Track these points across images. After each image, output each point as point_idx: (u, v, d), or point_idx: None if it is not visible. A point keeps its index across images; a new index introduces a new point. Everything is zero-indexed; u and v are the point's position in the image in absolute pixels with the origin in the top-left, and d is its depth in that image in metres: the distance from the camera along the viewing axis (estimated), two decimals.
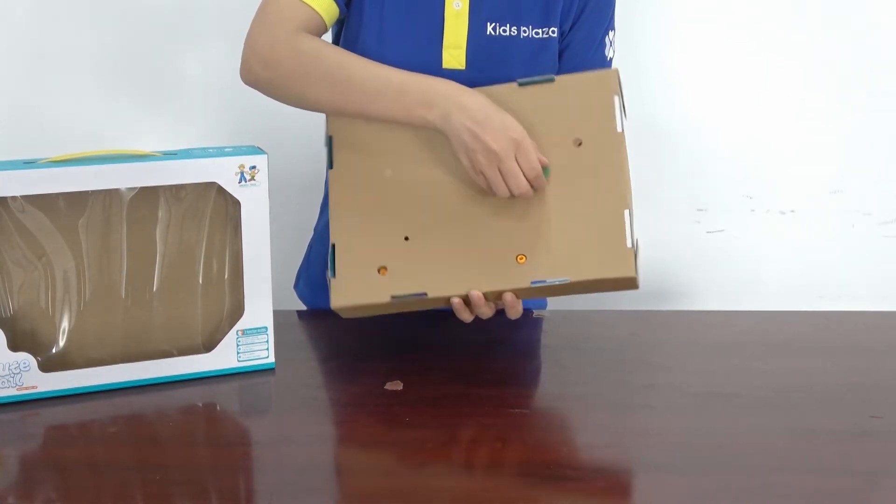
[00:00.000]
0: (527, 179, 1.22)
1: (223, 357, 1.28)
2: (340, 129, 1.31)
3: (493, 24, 1.35)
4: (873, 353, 1.36)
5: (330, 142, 1.31)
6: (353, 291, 1.26)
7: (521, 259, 1.23)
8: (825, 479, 1.06)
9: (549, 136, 1.24)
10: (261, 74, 1.30)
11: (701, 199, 2.01)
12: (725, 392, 1.24)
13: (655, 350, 1.37)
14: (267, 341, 1.29)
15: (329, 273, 1.28)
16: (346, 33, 1.40)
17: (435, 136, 1.27)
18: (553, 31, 1.36)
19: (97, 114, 1.95)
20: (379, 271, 1.26)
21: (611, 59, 1.43)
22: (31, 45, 1.92)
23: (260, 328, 1.29)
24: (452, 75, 1.33)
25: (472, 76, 1.34)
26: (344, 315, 1.29)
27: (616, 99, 1.24)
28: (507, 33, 1.35)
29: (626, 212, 1.21)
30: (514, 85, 1.27)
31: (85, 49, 1.92)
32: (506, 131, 1.21)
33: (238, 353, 1.28)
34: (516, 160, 1.21)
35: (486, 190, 1.24)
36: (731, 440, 1.13)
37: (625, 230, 1.20)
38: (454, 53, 1.34)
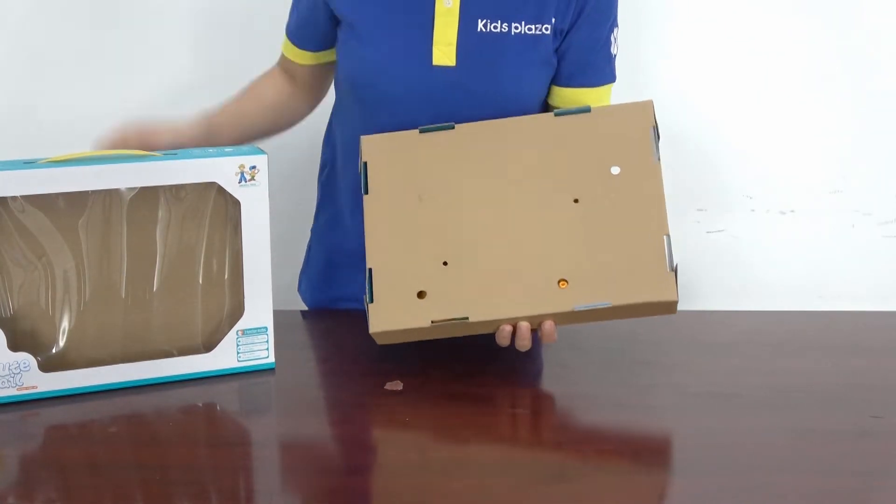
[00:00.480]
0: None
1: (223, 357, 1.28)
2: (375, 155, 1.32)
3: (484, 21, 1.35)
4: (873, 353, 1.36)
5: (365, 168, 1.31)
6: (392, 316, 1.25)
7: (562, 284, 1.23)
8: (825, 479, 1.06)
9: (585, 164, 1.27)
10: None
11: (701, 199, 2.01)
12: (725, 392, 1.24)
13: (655, 350, 1.37)
14: (267, 341, 1.29)
15: (367, 298, 1.26)
16: (341, 38, 1.42)
17: (467, 161, 1.29)
18: (546, 28, 1.36)
19: (97, 114, 1.95)
20: (418, 296, 1.25)
21: (615, 56, 1.43)
22: (31, 45, 1.92)
23: (260, 328, 1.29)
24: (443, 72, 1.35)
25: (462, 73, 1.35)
26: (380, 341, 1.27)
27: (651, 130, 1.27)
28: (498, 30, 1.35)
29: (665, 237, 1.22)
30: (550, 115, 1.30)
31: (85, 49, 1.92)
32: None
33: (238, 353, 1.28)
34: None
35: None
36: (731, 440, 1.13)
37: (665, 255, 1.22)
38: (444, 50, 1.35)
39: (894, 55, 1.94)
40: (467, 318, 1.23)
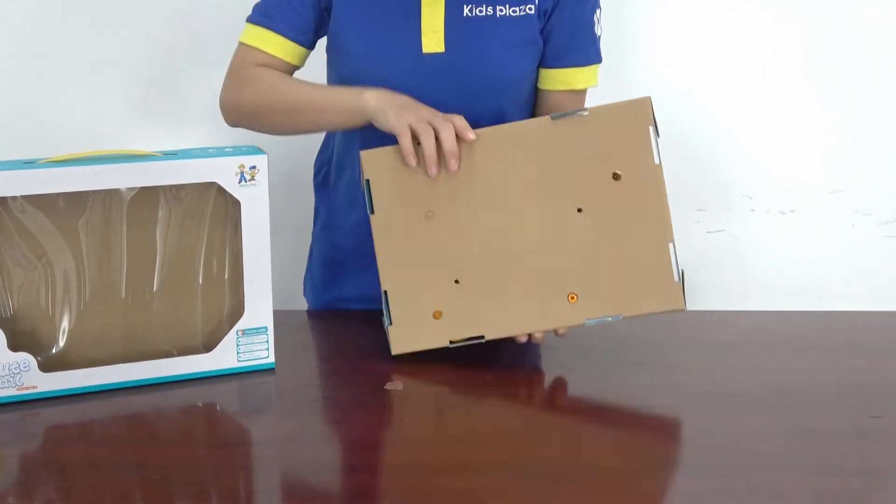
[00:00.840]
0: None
1: (223, 357, 1.28)
2: (376, 172, 1.28)
3: (470, 6, 1.37)
4: (873, 353, 1.36)
5: (368, 185, 1.29)
6: (411, 338, 1.29)
7: (572, 298, 1.25)
8: (825, 479, 1.06)
9: (586, 170, 1.25)
10: (231, 119, 1.45)
11: (701, 199, 2.01)
12: (725, 392, 1.24)
13: (655, 350, 1.37)
14: (267, 341, 1.29)
15: (385, 321, 1.30)
16: (330, 36, 1.43)
17: (470, 174, 1.26)
18: (530, 9, 1.38)
19: (97, 114, 1.95)
20: (434, 315, 1.28)
21: (599, 38, 1.45)
22: (31, 45, 1.92)
23: (260, 328, 1.29)
24: (432, 58, 1.37)
25: (452, 57, 1.37)
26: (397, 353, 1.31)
27: (651, 129, 1.24)
28: (484, 13, 1.37)
29: (671, 245, 1.23)
30: (547, 119, 1.27)
31: (85, 49, 1.92)
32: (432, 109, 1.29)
33: (238, 353, 1.28)
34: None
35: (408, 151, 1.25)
36: (731, 440, 1.13)
37: (671, 263, 1.23)
38: (433, 37, 1.36)
39: (894, 55, 1.94)
40: (483, 337, 1.27)
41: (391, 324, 1.29)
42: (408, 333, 1.29)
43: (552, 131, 1.27)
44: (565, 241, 1.25)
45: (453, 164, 1.24)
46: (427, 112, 1.27)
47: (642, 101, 1.25)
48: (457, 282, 1.28)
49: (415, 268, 1.29)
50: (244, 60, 1.43)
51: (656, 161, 1.24)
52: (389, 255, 1.29)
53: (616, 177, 1.24)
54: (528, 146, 1.27)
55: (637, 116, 1.25)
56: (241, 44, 1.44)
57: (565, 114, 1.27)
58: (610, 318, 1.25)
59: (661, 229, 1.23)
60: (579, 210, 1.26)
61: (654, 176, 1.24)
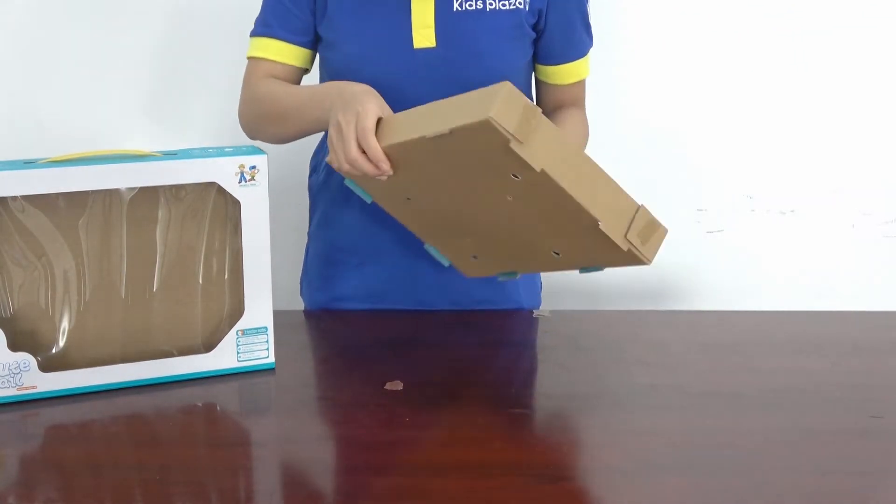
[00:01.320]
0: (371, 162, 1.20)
1: (223, 357, 1.28)
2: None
3: (459, 1, 1.37)
4: (873, 353, 1.36)
5: (353, 182, 1.31)
6: (471, 269, 1.39)
7: (556, 254, 1.24)
8: (825, 479, 1.06)
9: (486, 172, 1.15)
10: (244, 130, 1.47)
11: (701, 199, 2.02)
12: (726, 392, 1.24)
13: (655, 350, 1.37)
14: (267, 341, 1.29)
15: (442, 261, 1.39)
16: (322, 34, 1.43)
17: (408, 177, 1.22)
18: (521, 3, 1.39)
19: (97, 114, 1.95)
20: (474, 258, 1.36)
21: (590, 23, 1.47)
22: (31, 45, 1.92)
23: (260, 328, 1.29)
24: (425, 53, 1.37)
25: (444, 52, 1.38)
26: None
27: (513, 146, 1.05)
28: (474, 7, 1.38)
29: (600, 224, 1.12)
30: (423, 138, 1.13)
31: (85, 49, 1.93)
32: (356, 106, 1.21)
33: (238, 353, 1.28)
34: (357, 137, 1.20)
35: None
36: (731, 440, 1.13)
37: (612, 240, 1.12)
38: (424, 33, 1.37)
39: (894, 55, 1.94)
40: (516, 274, 1.35)
41: (449, 263, 1.38)
42: (465, 265, 1.38)
43: (437, 146, 1.14)
44: (517, 220, 1.21)
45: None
46: (349, 127, 1.19)
47: (483, 123, 1.05)
48: (467, 238, 1.32)
49: (435, 230, 1.35)
50: (251, 74, 1.45)
51: (537, 169, 1.08)
52: (410, 222, 1.35)
53: (516, 176, 1.12)
54: (429, 159, 1.18)
55: (490, 139, 1.07)
56: (248, 59, 1.46)
57: (435, 134, 1.11)
58: (597, 269, 1.22)
59: (583, 218, 1.12)
60: (509, 199, 1.17)
61: (545, 179, 1.09)
